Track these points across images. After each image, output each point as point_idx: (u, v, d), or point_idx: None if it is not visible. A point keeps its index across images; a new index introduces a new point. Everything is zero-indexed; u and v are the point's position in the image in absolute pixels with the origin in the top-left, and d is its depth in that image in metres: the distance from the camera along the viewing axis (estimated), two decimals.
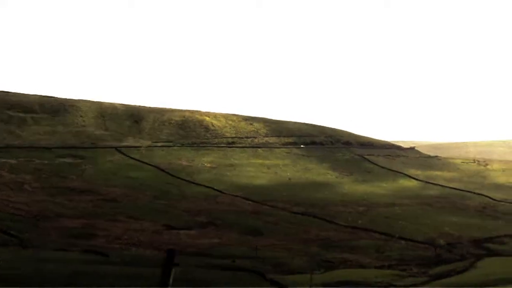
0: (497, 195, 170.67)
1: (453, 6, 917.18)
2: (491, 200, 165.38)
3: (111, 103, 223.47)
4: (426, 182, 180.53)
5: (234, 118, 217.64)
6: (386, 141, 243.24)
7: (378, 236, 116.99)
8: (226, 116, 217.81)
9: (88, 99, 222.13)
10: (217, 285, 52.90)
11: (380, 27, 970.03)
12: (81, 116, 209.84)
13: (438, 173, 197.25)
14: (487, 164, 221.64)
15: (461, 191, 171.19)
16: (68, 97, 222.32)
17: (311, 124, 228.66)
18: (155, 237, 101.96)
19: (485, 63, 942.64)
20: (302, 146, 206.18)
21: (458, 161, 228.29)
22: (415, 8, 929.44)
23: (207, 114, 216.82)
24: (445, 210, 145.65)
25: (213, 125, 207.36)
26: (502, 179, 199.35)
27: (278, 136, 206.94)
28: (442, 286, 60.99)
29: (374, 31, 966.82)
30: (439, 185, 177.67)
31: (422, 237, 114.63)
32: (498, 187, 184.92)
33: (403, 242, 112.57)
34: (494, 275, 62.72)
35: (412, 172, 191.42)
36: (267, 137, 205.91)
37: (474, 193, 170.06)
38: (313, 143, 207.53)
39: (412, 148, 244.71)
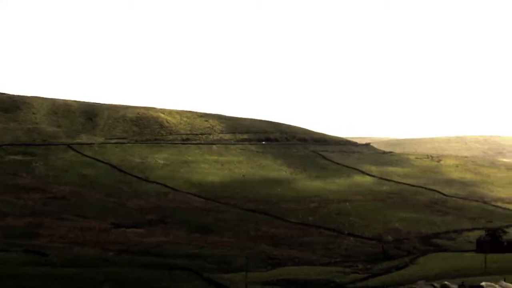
0: (448, 191, 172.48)
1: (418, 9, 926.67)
2: (442, 195, 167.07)
3: (64, 100, 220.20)
4: (380, 178, 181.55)
5: (190, 114, 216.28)
6: (341, 137, 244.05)
7: (328, 233, 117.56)
8: (182, 113, 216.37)
9: (41, 96, 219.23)
10: (149, 285, 52.29)
11: (324, 26, 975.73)
12: (33, 113, 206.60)
13: (392, 169, 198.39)
14: (440, 160, 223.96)
15: (413, 187, 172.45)
16: (20, 94, 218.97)
17: (267, 121, 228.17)
18: (102, 235, 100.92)
19: (442, 62, 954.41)
20: (263, 142, 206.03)
21: (412, 157, 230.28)
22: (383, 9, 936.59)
23: (162, 110, 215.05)
24: (396, 206, 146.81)
25: (168, 122, 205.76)
26: (454, 174, 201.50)
27: (233, 133, 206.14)
28: (379, 283, 61.17)
29: (333, 29, 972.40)
30: (392, 181, 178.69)
31: (370, 234, 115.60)
32: (450, 182, 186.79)
33: (352, 238, 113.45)
34: (432, 270, 63.30)
35: (366, 168, 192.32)
36: (222, 133, 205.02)
37: (426, 188, 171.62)
38: (268, 139, 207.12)
39: (367, 144, 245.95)
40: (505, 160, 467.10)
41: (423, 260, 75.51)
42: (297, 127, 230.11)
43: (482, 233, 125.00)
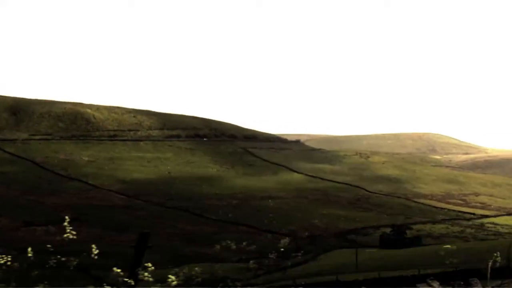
0: (373, 187, 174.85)
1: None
2: (366, 192, 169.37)
3: None
4: (306, 175, 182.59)
5: (118, 110, 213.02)
6: (271, 134, 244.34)
7: (245, 229, 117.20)
8: (110, 109, 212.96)
9: None
10: (30, 284, 50.54)
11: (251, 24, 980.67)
12: None
13: (320, 165, 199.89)
14: (368, 157, 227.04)
15: (339, 184, 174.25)
16: None
17: (196, 117, 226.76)
18: (10, 234, 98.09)
19: (379, 60, 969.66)
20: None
21: (342, 153, 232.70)
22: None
23: (90, 106, 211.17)
24: (318, 203, 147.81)
25: (95, 118, 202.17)
26: (381, 171, 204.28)
27: (162, 129, 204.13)
28: (275, 279, 60.99)
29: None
30: (318, 177, 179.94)
31: (288, 230, 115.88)
32: (376, 179, 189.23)
33: (269, 235, 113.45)
34: (328, 266, 63.51)
35: (294, 165, 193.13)
36: (150, 130, 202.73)
37: (351, 185, 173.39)
38: (197, 136, 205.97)
39: (297, 141, 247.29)
40: (436, 157, 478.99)
41: (325, 256, 75.81)
42: (228, 123, 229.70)
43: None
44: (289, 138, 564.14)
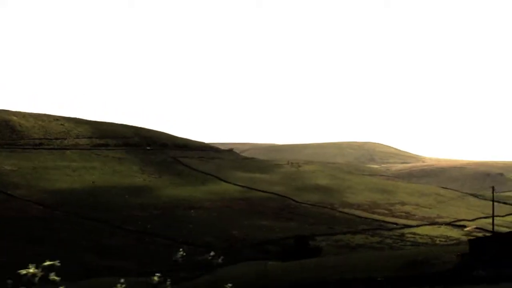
0: (301, 197, 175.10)
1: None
2: (293, 202, 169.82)
3: None
4: (234, 184, 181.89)
5: (45, 118, 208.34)
6: (203, 143, 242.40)
7: (162, 241, 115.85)
8: (37, 116, 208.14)
9: None
10: None
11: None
12: None
13: (250, 175, 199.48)
14: (299, 166, 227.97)
15: (266, 193, 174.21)
16: None
17: (127, 125, 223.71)
18: None
19: (319, 67, 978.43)
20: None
21: (274, 163, 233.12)
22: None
23: (16, 113, 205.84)
24: (242, 213, 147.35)
25: (20, 125, 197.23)
26: (312, 180, 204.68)
27: (90, 138, 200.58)
28: None
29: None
30: (247, 187, 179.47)
31: (204, 241, 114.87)
32: (305, 188, 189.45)
33: (185, 246, 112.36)
34: (223, 280, 62.68)
35: (223, 174, 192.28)
36: (78, 138, 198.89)
37: (278, 195, 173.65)
38: (127, 144, 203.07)
39: (230, 150, 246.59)
40: (374, 166, 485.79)
41: (226, 269, 74.97)
42: (159, 132, 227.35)
43: (323, 238, 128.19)
44: (230, 147, 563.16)
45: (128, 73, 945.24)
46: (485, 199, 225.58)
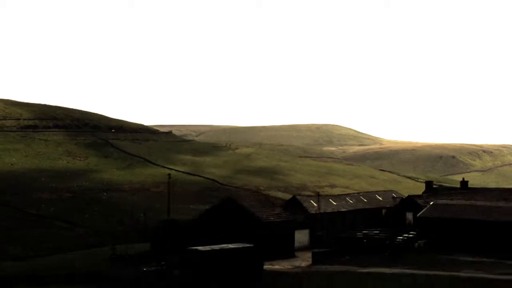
0: (228, 179, 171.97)
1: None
2: (217, 184, 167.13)
3: None
4: (162, 166, 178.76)
5: None
6: (142, 125, 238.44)
7: (60, 225, 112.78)
8: None
9: None
10: None
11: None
12: None
13: (183, 157, 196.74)
14: (236, 148, 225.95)
15: (191, 175, 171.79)
16: None
17: (56, 106, 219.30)
18: None
19: (284, 53, 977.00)
20: (113, 130, 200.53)
21: (211, 145, 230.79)
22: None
23: None
24: (158, 196, 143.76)
25: None
26: (246, 163, 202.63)
27: (18, 119, 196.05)
28: None
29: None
30: (174, 169, 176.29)
31: (98, 226, 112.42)
32: (235, 171, 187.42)
33: (81, 230, 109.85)
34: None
35: (153, 156, 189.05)
36: (5, 119, 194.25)
37: (203, 177, 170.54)
38: (57, 126, 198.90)
39: (168, 132, 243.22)
40: (331, 148, 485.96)
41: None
42: (92, 113, 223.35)
43: None
44: (188, 130, 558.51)
45: (63, 54, 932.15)
46: (420, 181, 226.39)
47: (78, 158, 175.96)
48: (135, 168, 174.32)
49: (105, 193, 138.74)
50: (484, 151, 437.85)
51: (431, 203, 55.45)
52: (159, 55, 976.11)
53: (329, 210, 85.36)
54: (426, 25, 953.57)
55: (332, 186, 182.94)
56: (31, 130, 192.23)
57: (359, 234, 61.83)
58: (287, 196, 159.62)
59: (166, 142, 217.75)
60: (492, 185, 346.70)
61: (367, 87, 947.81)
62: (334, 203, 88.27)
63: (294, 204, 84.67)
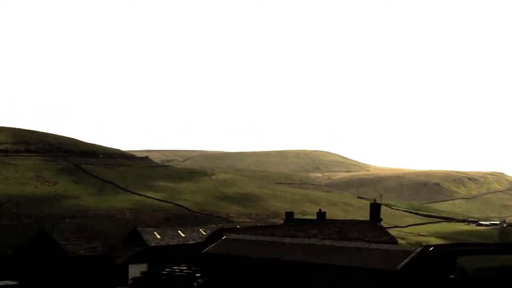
0: (199, 206, 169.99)
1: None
2: (187, 211, 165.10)
3: None
4: (132, 192, 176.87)
5: None
6: (117, 149, 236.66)
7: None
8: None
9: None
10: None
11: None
12: None
13: (153, 183, 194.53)
14: (212, 174, 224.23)
15: (160, 202, 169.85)
16: None
17: (29, 130, 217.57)
18: None
19: (281, 76, 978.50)
20: (101, 156, 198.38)
21: (188, 171, 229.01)
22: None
23: None
24: (121, 223, 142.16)
25: None
26: (219, 190, 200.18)
27: None
28: None
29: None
30: (144, 196, 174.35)
31: None
32: (208, 198, 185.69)
33: None
34: None
35: (124, 182, 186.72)
36: None
37: (174, 204, 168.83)
38: (28, 151, 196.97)
39: (145, 158, 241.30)
40: (317, 174, 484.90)
41: None
42: (65, 137, 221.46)
43: None
44: (174, 155, 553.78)
45: (36, 76, 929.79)
46: (398, 209, 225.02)
47: (47, 184, 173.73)
48: (105, 194, 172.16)
49: (67, 220, 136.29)
50: (469, 179, 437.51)
51: (223, 237, 50.73)
52: (150, 80, 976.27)
53: (174, 242, 76.88)
54: (411, 56, 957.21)
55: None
56: (2, 154, 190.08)
57: (166, 270, 52.64)
58: (258, 223, 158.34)
59: (140, 168, 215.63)
60: (477, 212, 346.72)
61: (358, 114, 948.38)
62: (183, 235, 79.44)
63: (135, 236, 76.25)
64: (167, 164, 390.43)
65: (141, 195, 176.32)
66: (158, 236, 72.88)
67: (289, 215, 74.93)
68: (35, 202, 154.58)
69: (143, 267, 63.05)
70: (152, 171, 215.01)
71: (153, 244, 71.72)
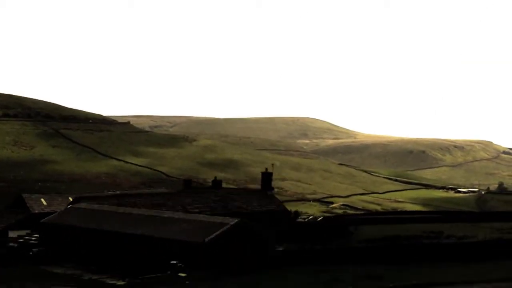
0: (175, 171, 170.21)
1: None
2: (164, 176, 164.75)
3: None
4: (111, 157, 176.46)
5: None
6: (98, 114, 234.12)
7: None
8: None
9: None
10: None
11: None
12: None
13: (133, 148, 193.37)
14: (194, 140, 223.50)
15: (140, 167, 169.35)
16: None
17: (8, 95, 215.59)
18: None
19: (257, 44, 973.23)
20: (90, 121, 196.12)
21: (168, 137, 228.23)
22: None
23: None
24: (98, 188, 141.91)
25: None
26: (198, 155, 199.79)
27: None
28: None
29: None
30: (123, 161, 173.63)
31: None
32: (186, 163, 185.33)
33: None
34: None
35: (103, 148, 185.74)
36: None
37: (151, 168, 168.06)
38: (6, 115, 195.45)
39: (127, 123, 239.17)
40: (305, 141, 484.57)
41: None
42: (44, 102, 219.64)
43: None
44: (162, 121, 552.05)
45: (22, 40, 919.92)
46: (379, 176, 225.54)
47: (24, 148, 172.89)
48: (82, 159, 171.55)
49: (39, 183, 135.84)
50: (455, 147, 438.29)
51: (69, 206, 49.68)
52: (144, 47, 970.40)
53: (61, 209, 73.95)
54: (407, 25, 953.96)
55: (283, 179, 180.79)
56: None
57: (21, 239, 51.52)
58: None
59: (120, 133, 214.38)
60: (461, 180, 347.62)
61: (347, 80, 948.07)
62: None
63: (20, 203, 73.19)
64: (155, 129, 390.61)
65: (119, 160, 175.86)
66: (45, 203, 70.48)
67: (187, 182, 72.80)
68: (10, 166, 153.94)
69: (24, 233, 61.55)
70: (134, 137, 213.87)
71: (36, 211, 69.08)
